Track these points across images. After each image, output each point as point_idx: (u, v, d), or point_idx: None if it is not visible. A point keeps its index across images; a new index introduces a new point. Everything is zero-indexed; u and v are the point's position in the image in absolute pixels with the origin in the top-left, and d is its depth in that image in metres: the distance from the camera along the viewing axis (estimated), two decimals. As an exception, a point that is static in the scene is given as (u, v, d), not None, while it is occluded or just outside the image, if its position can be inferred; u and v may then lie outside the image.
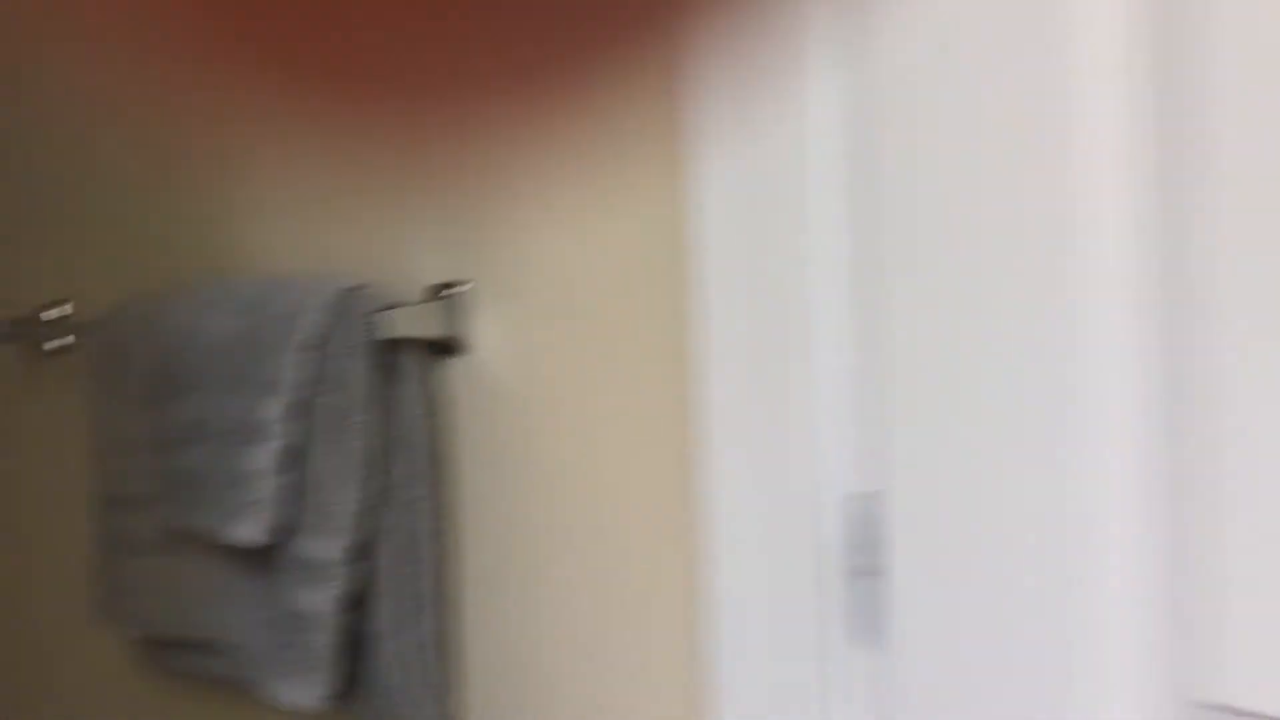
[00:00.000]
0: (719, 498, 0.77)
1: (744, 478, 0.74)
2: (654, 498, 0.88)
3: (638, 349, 0.89)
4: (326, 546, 0.96)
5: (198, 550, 1.08)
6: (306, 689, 0.97)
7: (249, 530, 0.97)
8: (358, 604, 0.99)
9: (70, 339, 1.34)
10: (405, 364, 0.99)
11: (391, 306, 0.98)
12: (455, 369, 1.02)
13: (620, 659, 0.91)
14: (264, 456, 0.97)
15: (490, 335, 1.00)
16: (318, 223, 1.10)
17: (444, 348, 1.02)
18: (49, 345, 1.34)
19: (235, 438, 0.99)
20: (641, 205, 0.88)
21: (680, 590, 0.86)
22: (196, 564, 1.08)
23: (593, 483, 0.92)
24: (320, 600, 0.96)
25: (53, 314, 1.34)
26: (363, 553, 0.98)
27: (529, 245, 0.96)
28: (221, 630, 1.06)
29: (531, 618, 0.98)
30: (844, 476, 0.70)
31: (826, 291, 0.71)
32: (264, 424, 0.97)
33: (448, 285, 1.01)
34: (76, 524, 1.32)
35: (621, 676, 0.91)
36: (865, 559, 0.70)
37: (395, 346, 0.99)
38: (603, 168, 0.90)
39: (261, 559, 1.01)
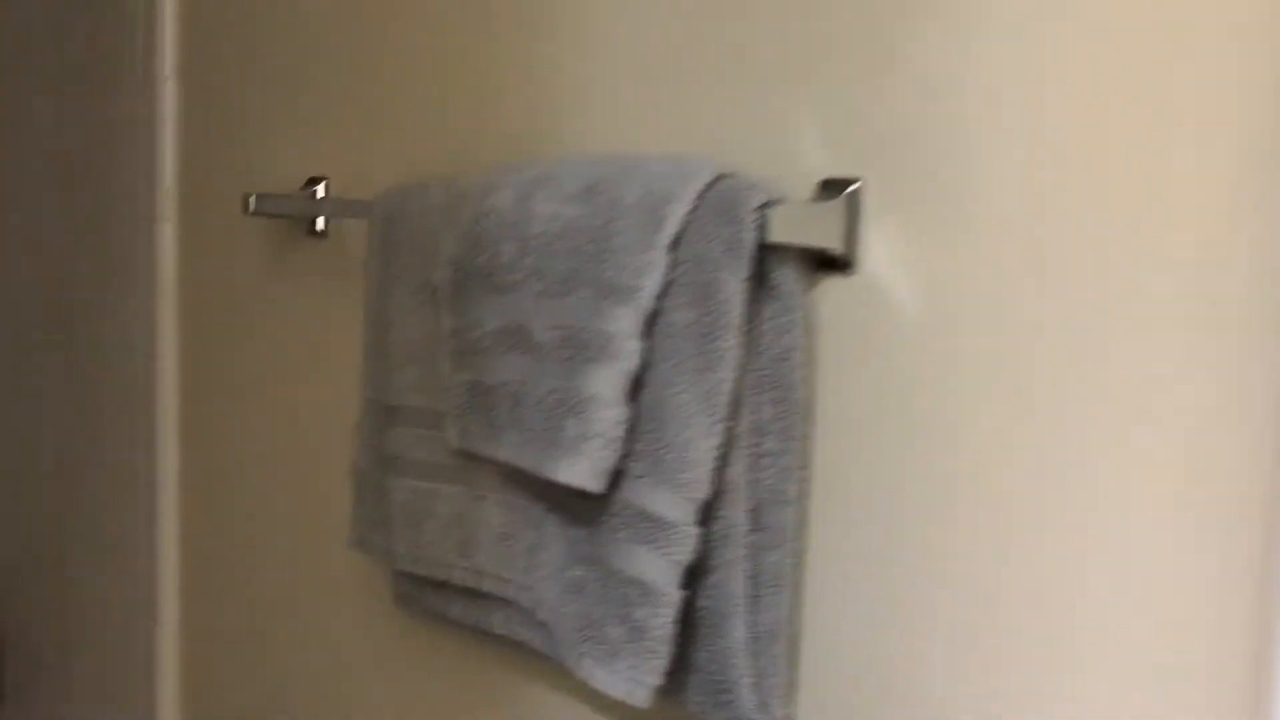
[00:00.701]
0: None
1: None
2: (1168, 492, 0.64)
3: (1142, 290, 0.66)
4: (674, 501, 0.75)
5: (497, 483, 0.88)
6: (634, 676, 0.77)
7: (581, 470, 0.77)
8: (700, 574, 0.78)
9: (323, 222, 1.17)
10: (783, 279, 0.78)
11: (772, 204, 0.76)
12: (834, 290, 0.80)
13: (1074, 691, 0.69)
14: (608, 380, 0.76)
15: (886, 250, 0.77)
16: (665, 93, 0.89)
17: (828, 262, 0.80)
18: (319, 225, 1.17)
19: (569, 353, 0.79)
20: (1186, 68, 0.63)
21: (1211, 622, 0.63)
22: (493, 499, 0.89)
23: (1046, 462, 0.70)
24: (662, 567, 0.76)
25: (318, 191, 1.17)
26: (713, 512, 0.77)
27: (949, 135, 0.73)
28: (517, 583, 0.87)
29: (906, 615, 0.76)
30: None
31: None
32: (610, 338, 0.77)
33: (840, 183, 0.79)
34: (348, 428, 1.15)
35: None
36: None
37: (773, 255, 0.77)
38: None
39: (586, 505, 0.81)
